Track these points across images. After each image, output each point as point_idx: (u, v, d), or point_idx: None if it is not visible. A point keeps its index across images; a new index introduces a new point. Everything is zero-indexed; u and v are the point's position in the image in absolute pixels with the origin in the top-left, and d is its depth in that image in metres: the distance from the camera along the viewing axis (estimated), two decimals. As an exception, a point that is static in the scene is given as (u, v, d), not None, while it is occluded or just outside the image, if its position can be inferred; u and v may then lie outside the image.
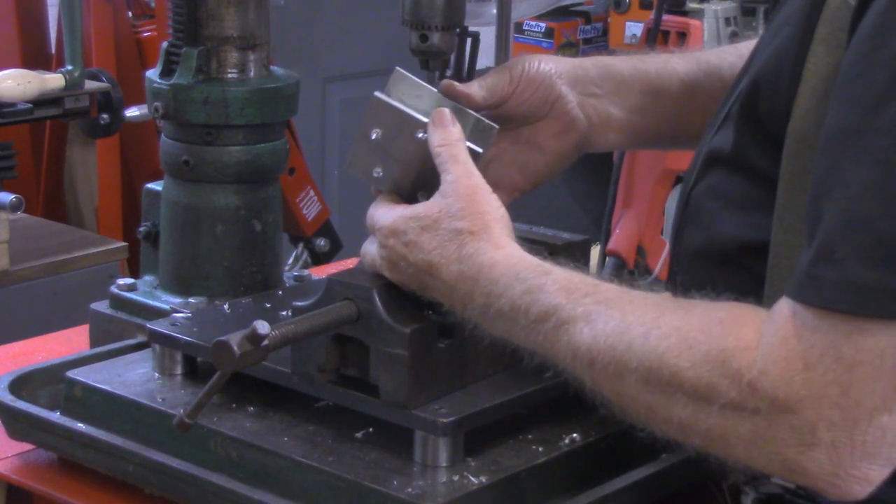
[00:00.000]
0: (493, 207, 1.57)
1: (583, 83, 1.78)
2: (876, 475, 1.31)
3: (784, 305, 1.32)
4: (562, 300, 1.45)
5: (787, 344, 1.30)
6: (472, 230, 1.55)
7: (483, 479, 1.55)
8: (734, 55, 1.78)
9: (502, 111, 1.75)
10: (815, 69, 1.40)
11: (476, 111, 1.69)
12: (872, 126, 1.28)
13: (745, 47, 1.71)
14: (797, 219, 1.38)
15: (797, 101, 1.41)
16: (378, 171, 1.65)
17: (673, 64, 1.81)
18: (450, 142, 1.60)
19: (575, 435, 1.65)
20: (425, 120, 1.63)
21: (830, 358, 1.28)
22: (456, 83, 1.71)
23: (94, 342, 2.05)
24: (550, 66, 1.77)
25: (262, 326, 1.48)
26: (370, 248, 1.63)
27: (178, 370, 1.80)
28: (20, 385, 1.84)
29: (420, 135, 1.63)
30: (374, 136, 1.64)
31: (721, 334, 1.34)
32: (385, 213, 1.61)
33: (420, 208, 1.58)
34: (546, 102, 1.76)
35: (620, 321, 1.40)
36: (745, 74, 1.56)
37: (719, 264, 1.43)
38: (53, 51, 4.27)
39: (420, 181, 1.64)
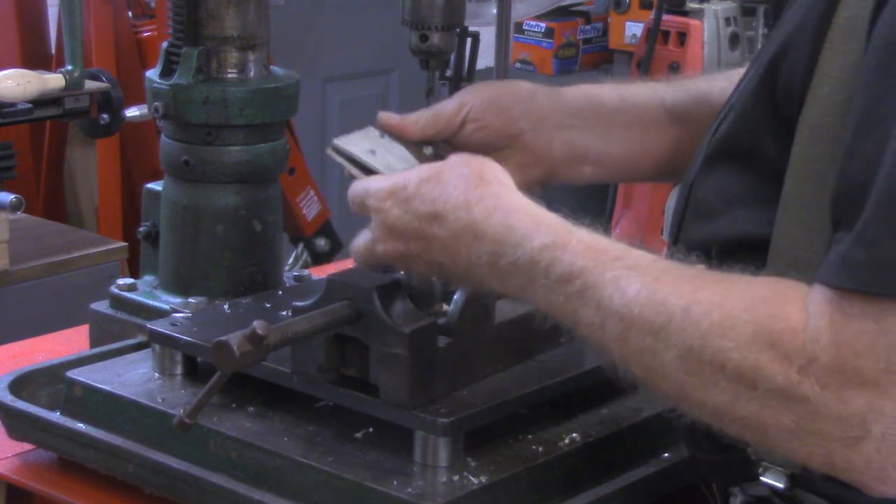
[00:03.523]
0: (498, 166, 1.50)
1: (558, 115, 1.73)
2: None
3: (820, 290, 1.26)
4: (589, 262, 1.36)
5: (834, 328, 1.24)
6: (480, 175, 1.46)
7: (483, 479, 1.55)
8: (725, 81, 1.73)
9: (457, 140, 1.72)
10: (832, 56, 1.35)
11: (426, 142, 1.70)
12: None
13: (737, 74, 1.63)
14: (802, 209, 1.34)
15: (812, 89, 1.36)
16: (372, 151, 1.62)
17: (660, 93, 1.76)
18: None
19: (575, 435, 1.65)
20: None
21: (882, 345, 1.22)
22: (391, 118, 1.67)
23: (94, 342, 2.05)
24: (509, 100, 1.73)
25: (262, 326, 1.48)
26: (359, 240, 1.55)
27: (178, 370, 1.79)
28: (20, 385, 1.84)
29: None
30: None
31: (767, 314, 1.27)
32: (381, 179, 1.53)
33: (421, 167, 1.52)
34: (503, 135, 1.72)
35: (655, 291, 1.31)
36: (755, 63, 1.51)
37: (718, 259, 1.40)
38: (53, 51, 4.27)
39: None
